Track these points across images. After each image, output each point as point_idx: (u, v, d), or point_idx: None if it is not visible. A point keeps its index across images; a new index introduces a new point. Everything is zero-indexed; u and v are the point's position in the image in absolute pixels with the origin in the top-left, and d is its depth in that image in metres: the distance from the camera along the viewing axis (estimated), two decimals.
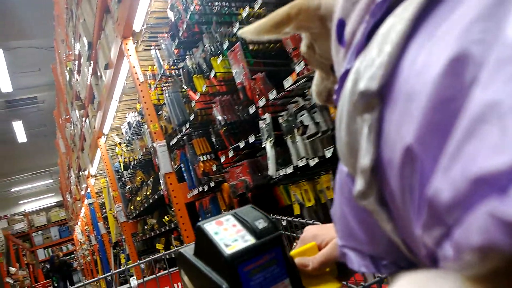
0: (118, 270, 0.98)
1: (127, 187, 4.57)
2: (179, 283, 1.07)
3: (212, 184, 2.54)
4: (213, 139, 2.64)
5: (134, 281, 0.92)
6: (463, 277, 0.19)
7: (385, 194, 0.27)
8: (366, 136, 0.26)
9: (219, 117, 2.31)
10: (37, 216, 16.14)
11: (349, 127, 0.28)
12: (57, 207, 17.45)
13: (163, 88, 3.03)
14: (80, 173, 6.79)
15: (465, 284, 0.19)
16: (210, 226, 0.41)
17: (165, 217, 3.62)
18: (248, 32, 0.40)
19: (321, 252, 0.49)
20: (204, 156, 2.66)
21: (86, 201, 7.01)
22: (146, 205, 3.86)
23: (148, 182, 3.99)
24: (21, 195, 17.99)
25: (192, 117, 2.66)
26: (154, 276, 0.89)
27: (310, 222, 0.75)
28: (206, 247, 0.40)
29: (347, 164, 0.32)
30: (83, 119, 5.25)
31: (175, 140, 2.92)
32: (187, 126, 2.71)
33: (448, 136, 0.19)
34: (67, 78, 5.92)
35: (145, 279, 0.90)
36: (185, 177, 2.99)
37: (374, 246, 0.33)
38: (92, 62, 4.21)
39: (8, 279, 7.05)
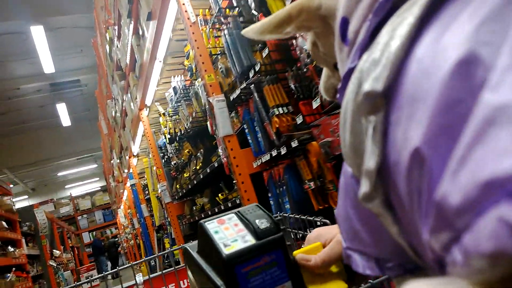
0: (162, 253, 0.97)
1: (172, 163, 3.96)
2: (186, 280, 1.02)
3: (294, 144, 1.82)
4: (292, 86, 1.93)
5: (140, 278, 0.91)
6: (471, 283, 0.18)
7: (391, 197, 0.26)
8: (371, 138, 0.25)
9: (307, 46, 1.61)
10: (82, 200, 16.30)
11: (354, 127, 0.27)
12: (101, 191, 17.61)
13: (221, 29, 2.34)
14: (122, 153, 6.32)
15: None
16: (212, 225, 0.40)
17: (219, 194, 2.97)
18: (251, 31, 0.40)
19: (323, 250, 0.48)
20: (280, 109, 1.95)
21: (128, 183, 6.55)
22: (195, 181, 3.21)
23: (198, 155, 3.35)
24: (68, 179, 18.38)
25: (265, 52, 1.94)
26: (160, 273, 0.86)
27: (318, 220, 0.73)
28: (207, 246, 0.39)
29: (352, 165, 0.30)
30: (124, 93, 4.71)
31: (237, 92, 2.23)
32: (256, 69, 2.00)
33: (457, 139, 0.18)
34: (107, 50, 5.42)
35: (151, 275, 0.87)
36: (250, 142, 2.29)
37: (380, 248, 0.32)
38: (132, 19, 3.62)
39: (51, 262, 6.78)
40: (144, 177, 6.15)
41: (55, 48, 8.74)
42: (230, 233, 0.39)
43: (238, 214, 0.42)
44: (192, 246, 0.43)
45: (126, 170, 6.88)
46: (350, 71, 0.27)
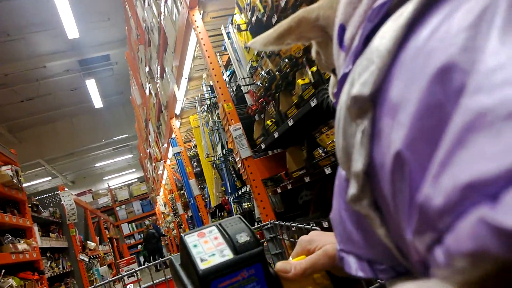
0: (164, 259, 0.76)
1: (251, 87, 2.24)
2: None
3: None
4: None
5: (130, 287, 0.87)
6: (454, 285, 0.18)
7: (378, 199, 0.25)
8: (359, 141, 0.25)
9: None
10: (120, 190, 15.08)
11: (345, 131, 0.26)
12: (139, 182, 16.42)
13: None
14: (161, 119, 4.67)
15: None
16: (191, 238, 0.38)
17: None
18: (256, 43, 0.40)
19: (308, 257, 0.43)
20: None
21: (170, 152, 4.92)
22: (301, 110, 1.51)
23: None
24: (105, 171, 17.37)
25: None
26: (151, 283, 0.81)
27: (308, 227, 0.66)
28: (186, 259, 0.37)
29: (345, 168, 0.29)
30: None
31: None
32: None
33: (437, 143, 0.18)
34: None
35: (142, 286, 0.79)
36: None
37: (372, 251, 0.31)
38: None
39: (81, 256, 5.30)
40: (191, 143, 4.50)
41: (79, 14, 7.32)
42: (208, 247, 0.37)
43: (219, 227, 0.39)
44: (176, 257, 0.40)
45: (165, 145, 5.27)
46: (345, 76, 0.27)
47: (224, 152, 3.22)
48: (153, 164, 7.94)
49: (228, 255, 0.36)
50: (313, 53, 0.41)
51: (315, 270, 0.42)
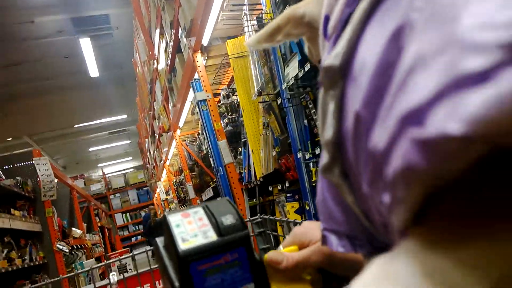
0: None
1: None
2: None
3: None
4: None
5: (114, 277, 0.81)
6: (410, 245, 0.18)
7: (346, 166, 0.25)
8: (331, 112, 0.25)
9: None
10: (115, 177, 13.59)
11: (322, 108, 0.26)
12: (136, 170, 14.95)
13: None
14: (183, 41, 3.22)
15: (412, 250, 0.18)
16: (175, 217, 0.36)
17: None
18: (251, 42, 0.41)
19: (301, 251, 0.42)
20: None
21: (191, 98, 3.50)
22: None
23: None
24: (100, 158, 15.86)
25: None
26: (135, 273, 0.78)
27: (298, 222, 0.64)
28: (168, 240, 0.35)
29: None
30: None
31: None
32: None
33: (385, 95, 0.19)
34: None
35: (125, 275, 0.79)
36: None
37: (350, 226, 0.31)
38: None
39: (59, 245, 3.86)
40: (219, 96, 3.10)
41: None
42: (192, 228, 0.35)
43: (205, 208, 0.37)
44: (162, 240, 0.38)
45: (177, 106, 3.85)
46: None
47: (298, 82, 1.84)
48: (157, 139, 6.50)
49: (211, 236, 0.34)
50: (306, 49, 0.41)
51: (307, 265, 0.41)
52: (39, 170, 3.88)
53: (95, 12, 7.71)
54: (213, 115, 2.87)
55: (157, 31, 4.01)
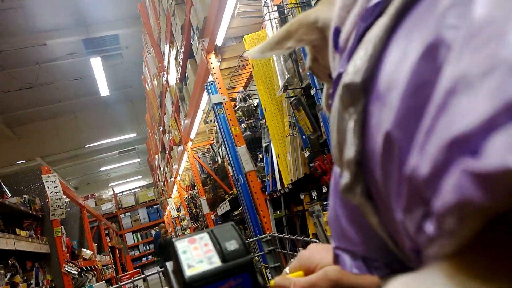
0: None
1: None
2: None
3: None
4: None
5: None
6: (445, 268, 0.17)
7: (370, 186, 0.24)
8: (351, 129, 0.24)
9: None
10: (125, 196, 13.31)
11: (339, 125, 0.25)
12: (145, 188, 14.69)
13: None
14: (195, 42, 3.03)
15: (448, 272, 0.17)
16: (182, 244, 0.37)
17: None
18: (253, 52, 0.38)
19: (308, 276, 0.41)
20: None
21: (204, 106, 3.25)
22: None
23: None
24: (110, 177, 15.67)
25: None
26: None
27: (307, 240, 0.65)
28: (176, 265, 0.36)
29: (338, 164, 0.28)
30: None
31: None
32: None
33: (423, 116, 0.18)
34: None
35: None
36: None
37: (366, 247, 0.29)
38: None
39: (67, 268, 3.55)
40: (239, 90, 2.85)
41: None
42: (197, 254, 0.35)
43: (210, 234, 0.38)
44: (171, 264, 0.38)
45: (186, 122, 3.60)
46: (340, 76, 0.26)
47: None
48: (167, 154, 6.25)
49: (216, 262, 0.34)
50: (308, 62, 0.39)
51: None
52: (48, 188, 3.63)
53: (105, 33, 7.65)
54: (230, 119, 2.61)
55: (167, 40, 3.81)
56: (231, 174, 2.66)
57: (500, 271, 0.15)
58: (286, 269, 0.45)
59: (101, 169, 13.91)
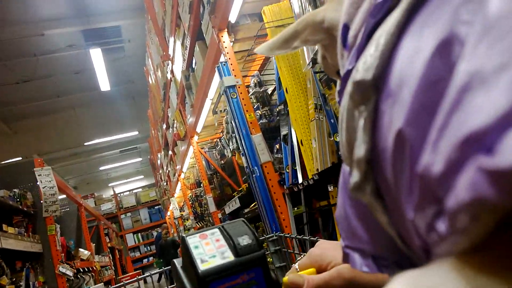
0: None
1: None
2: None
3: None
4: None
5: None
6: (453, 263, 0.17)
7: (380, 185, 0.24)
8: (362, 127, 0.23)
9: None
10: (126, 196, 13.05)
11: (348, 124, 0.25)
12: (147, 188, 14.43)
13: None
14: (205, 20, 2.74)
15: (456, 267, 0.17)
16: (193, 239, 0.37)
17: None
18: (263, 49, 0.39)
19: (321, 274, 0.41)
20: None
21: (212, 95, 2.97)
22: None
23: None
24: (111, 177, 15.41)
25: None
26: None
27: (314, 239, 0.62)
28: (187, 260, 0.36)
29: (348, 163, 0.28)
30: None
31: None
32: None
33: (436, 113, 0.17)
34: None
35: None
36: None
37: (375, 245, 0.29)
38: None
39: (62, 269, 3.27)
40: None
41: None
42: (209, 249, 0.36)
43: (222, 229, 0.38)
44: (179, 261, 0.39)
45: (190, 120, 3.31)
46: (348, 73, 0.26)
47: None
48: (170, 151, 5.98)
49: (229, 257, 0.35)
50: (319, 58, 0.39)
51: None
52: (41, 182, 3.35)
53: (106, 24, 7.39)
54: (245, 104, 2.33)
55: (173, 24, 3.54)
56: (245, 165, 2.38)
57: (510, 268, 0.15)
58: (296, 265, 0.45)
59: (101, 168, 13.66)
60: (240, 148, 2.41)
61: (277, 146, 2.44)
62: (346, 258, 0.31)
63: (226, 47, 2.37)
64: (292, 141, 2.14)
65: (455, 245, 0.17)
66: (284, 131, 2.25)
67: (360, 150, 0.23)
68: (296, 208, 2.31)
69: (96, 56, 6.80)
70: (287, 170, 2.19)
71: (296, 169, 2.10)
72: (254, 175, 2.25)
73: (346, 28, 0.28)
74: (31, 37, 7.00)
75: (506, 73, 0.14)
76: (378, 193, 0.24)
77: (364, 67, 0.22)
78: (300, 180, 2.05)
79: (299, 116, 1.91)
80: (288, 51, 0.38)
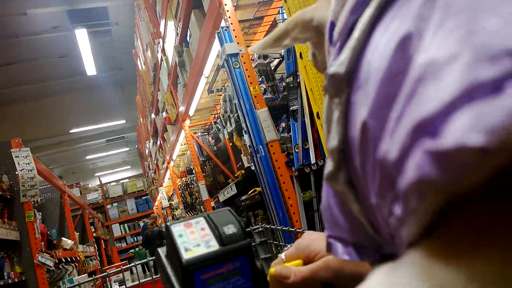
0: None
1: None
2: None
3: None
4: None
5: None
6: (418, 260, 0.17)
7: (352, 174, 0.25)
8: (336, 119, 0.25)
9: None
10: (112, 186, 12.62)
11: (327, 116, 0.26)
12: (134, 178, 14.00)
13: None
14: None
15: (422, 268, 0.17)
16: (177, 228, 0.36)
17: None
18: (256, 48, 0.40)
19: (308, 266, 0.41)
20: None
21: (208, 72, 2.68)
22: None
23: None
24: (97, 167, 14.91)
25: None
26: (137, 283, 0.76)
27: (300, 230, 0.64)
28: (171, 249, 0.35)
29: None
30: None
31: None
32: None
33: (394, 104, 0.18)
34: None
35: (127, 285, 0.76)
36: None
37: (355, 233, 0.30)
38: None
39: (41, 258, 2.96)
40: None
41: None
42: (194, 238, 0.35)
43: (207, 218, 0.37)
44: (163, 250, 0.37)
45: (184, 103, 3.01)
46: None
47: None
48: (159, 138, 5.65)
49: (214, 246, 0.34)
50: (310, 56, 0.40)
51: (314, 281, 0.40)
52: (18, 164, 3.01)
53: (92, 4, 6.95)
54: (248, 76, 2.06)
55: None
56: (248, 144, 2.12)
57: (475, 253, 0.16)
58: (282, 255, 0.44)
59: (87, 157, 13.16)
60: (243, 126, 2.14)
61: (283, 124, 2.18)
62: (329, 248, 0.31)
63: (228, 11, 2.09)
64: (304, 117, 1.88)
65: (409, 228, 0.17)
66: (293, 106, 2.00)
67: (334, 140, 0.24)
68: (303, 194, 2.06)
69: (82, 37, 6.39)
70: (296, 150, 1.94)
71: (308, 148, 1.85)
72: (258, 155, 1.99)
73: (332, 25, 0.28)
74: (13, 15, 6.52)
75: (455, 63, 0.15)
76: (350, 182, 0.24)
77: (338, 62, 0.23)
78: (313, 159, 1.80)
79: (315, 85, 1.66)
80: (280, 49, 0.39)
